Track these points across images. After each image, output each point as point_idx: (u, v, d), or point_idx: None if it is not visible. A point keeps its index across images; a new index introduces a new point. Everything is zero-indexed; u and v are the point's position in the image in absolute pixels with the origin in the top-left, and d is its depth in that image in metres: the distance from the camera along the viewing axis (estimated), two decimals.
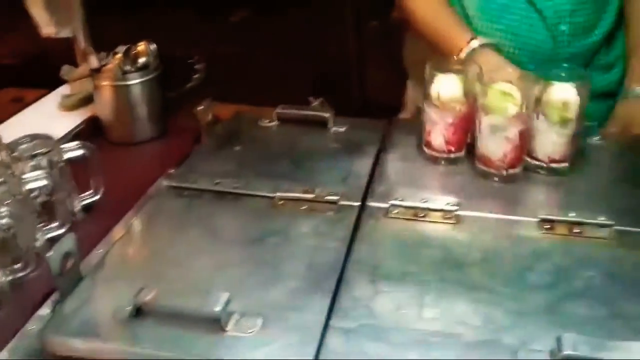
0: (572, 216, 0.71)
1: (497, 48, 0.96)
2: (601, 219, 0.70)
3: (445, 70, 0.82)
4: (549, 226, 0.70)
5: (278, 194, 0.76)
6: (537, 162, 0.81)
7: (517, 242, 0.69)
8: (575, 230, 0.70)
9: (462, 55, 0.95)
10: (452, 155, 0.83)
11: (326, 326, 0.57)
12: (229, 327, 0.56)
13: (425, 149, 0.85)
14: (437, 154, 0.84)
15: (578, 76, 0.79)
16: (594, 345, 0.52)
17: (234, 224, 0.72)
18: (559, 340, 0.52)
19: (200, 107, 0.91)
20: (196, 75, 1.54)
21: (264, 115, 0.96)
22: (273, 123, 0.95)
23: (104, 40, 1.07)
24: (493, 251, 0.68)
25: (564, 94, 0.76)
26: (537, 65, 0.93)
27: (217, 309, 0.56)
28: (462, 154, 0.84)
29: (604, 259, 0.66)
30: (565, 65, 0.85)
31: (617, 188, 0.79)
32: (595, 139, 0.88)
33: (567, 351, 0.51)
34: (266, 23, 3.37)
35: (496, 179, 0.79)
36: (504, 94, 0.75)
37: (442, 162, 0.84)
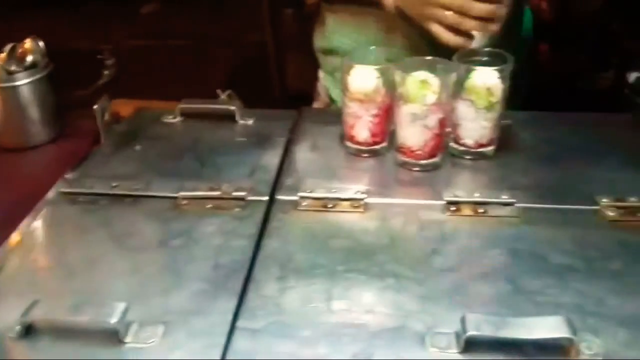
0: (476, 196, 0.73)
1: None
2: (504, 198, 0.72)
3: (362, 61, 0.81)
4: (455, 208, 0.72)
5: (181, 193, 0.73)
6: (463, 148, 0.82)
7: (424, 226, 0.69)
8: (480, 210, 0.71)
9: None
10: (378, 147, 0.83)
11: (232, 328, 0.55)
12: (128, 338, 0.54)
13: (349, 143, 0.84)
14: (362, 147, 0.83)
15: (499, 59, 0.79)
16: (497, 324, 0.53)
17: (134, 228, 0.69)
18: (462, 321, 0.53)
19: (96, 106, 0.86)
20: (107, 72, 1.47)
21: (168, 111, 0.93)
22: (177, 119, 0.91)
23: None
24: (401, 237, 0.68)
25: (487, 79, 0.77)
26: None
27: (114, 320, 0.53)
28: (385, 144, 0.83)
29: (507, 236, 0.67)
30: (486, 49, 0.84)
31: (522, 167, 0.81)
32: (502, 121, 0.90)
33: (471, 332, 0.52)
34: (178, 14, 3.28)
35: (416, 168, 0.80)
36: (422, 83, 0.74)
37: (366, 155, 0.83)
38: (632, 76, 1.10)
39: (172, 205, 0.72)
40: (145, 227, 0.69)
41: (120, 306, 0.54)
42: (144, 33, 3.17)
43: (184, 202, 0.73)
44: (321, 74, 1.18)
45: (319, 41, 1.11)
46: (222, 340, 0.54)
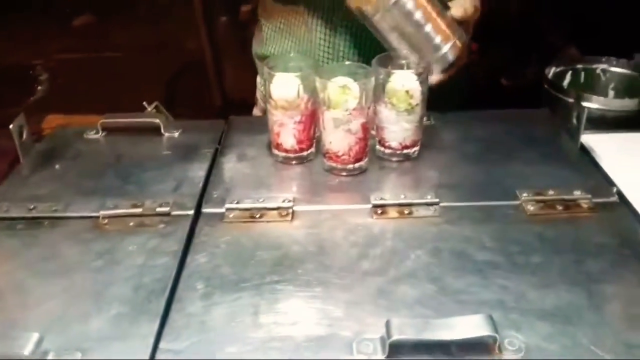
0: (402, 198, 0.73)
1: None
2: (428, 198, 0.73)
3: (282, 68, 0.80)
4: (381, 211, 0.71)
5: (102, 212, 0.70)
6: (390, 151, 0.82)
7: (351, 231, 0.69)
8: (405, 212, 0.71)
9: None
10: (305, 154, 0.82)
11: (154, 351, 0.53)
12: None
13: (276, 151, 0.82)
14: (289, 155, 0.82)
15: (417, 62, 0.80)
16: (420, 326, 0.52)
17: (52, 252, 0.65)
18: (387, 326, 0.52)
19: (12, 125, 0.82)
20: (40, 87, 1.40)
21: (90, 127, 0.89)
22: (99, 135, 0.88)
23: None
24: (328, 243, 0.67)
25: (406, 82, 0.77)
26: None
27: (27, 352, 0.50)
28: (312, 150, 0.83)
29: (431, 236, 0.67)
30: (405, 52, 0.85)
31: (446, 166, 0.81)
32: (425, 121, 0.90)
33: (395, 336, 0.51)
34: (113, 26, 3.19)
35: (343, 173, 0.79)
36: (343, 88, 0.74)
37: (294, 162, 0.82)
38: (551, 71, 1.13)
39: (93, 226, 0.69)
40: (64, 250, 0.66)
41: (34, 337, 0.51)
42: (77, 46, 3.07)
43: (105, 221, 0.70)
44: (259, 81, 1.16)
45: (257, 48, 1.10)
46: None
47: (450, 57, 0.85)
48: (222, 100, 2.47)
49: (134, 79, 2.54)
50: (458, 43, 0.85)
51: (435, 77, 0.86)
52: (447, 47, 0.85)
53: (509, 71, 1.76)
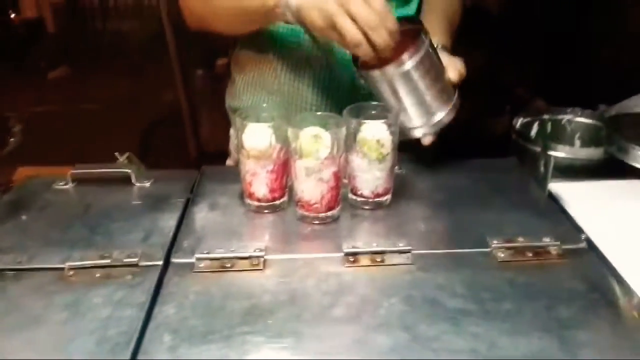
0: (374, 246, 0.73)
1: None
2: (400, 246, 0.73)
3: (254, 118, 0.80)
4: (353, 259, 0.71)
5: (68, 264, 0.68)
6: (362, 199, 0.82)
7: (323, 280, 0.68)
8: (377, 260, 0.71)
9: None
10: (278, 202, 0.82)
11: None
12: None
13: (248, 201, 0.82)
14: (261, 204, 0.81)
15: (387, 112, 0.81)
16: None
17: (14, 306, 0.63)
18: None
19: None
20: (13, 139, 1.39)
21: (60, 177, 0.88)
22: (69, 185, 0.87)
23: None
24: (300, 293, 0.66)
25: (377, 132, 0.78)
26: None
27: None
28: (285, 199, 0.83)
29: (404, 284, 0.67)
30: (374, 103, 0.86)
31: (418, 214, 0.82)
32: (396, 170, 0.92)
33: None
34: (88, 78, 3.22)
35: (316, 221, 0.79)
36: (315, 137, 0.75)
37: (266, 211, 0.82)
38: (519, 122, 1.16)
39: (58, 278, 0.67)
40: (28, 303, 0.63)
41: None
42: (52, 98, 3.08)
43: (71, 273, 0.68)
44: (232, 133, 1.17)
45: (230, 100, 1.12)
46: None
47: (447, 120, 0.87)
48: (197, 152, 2.48)
49: (109, 131, 2.54)
50: (454, 107, 0.87)
51: (428, 139, 0.88)
52: (445, 111, 0.87)
53: (479, 122, 1.80)
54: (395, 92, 0.83)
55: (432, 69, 0.84)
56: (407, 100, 0.84)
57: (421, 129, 0.87)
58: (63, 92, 3.05)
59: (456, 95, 0.88)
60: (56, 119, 2.83)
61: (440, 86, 0.85)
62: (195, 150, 2.52)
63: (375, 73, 0.82)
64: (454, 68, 0.87)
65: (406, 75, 0.82)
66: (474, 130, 1.79)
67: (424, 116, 0.86)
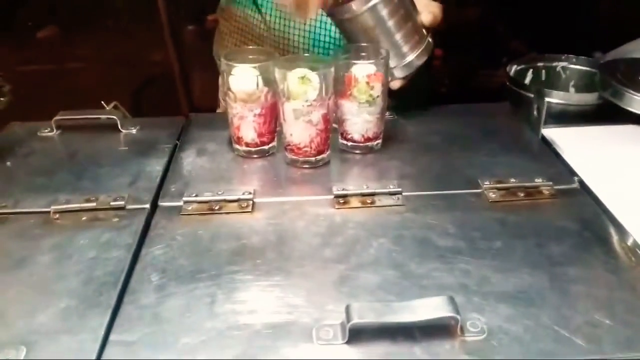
0: (364, 188, 0.72)
1: None
2: (391, 187, 0.72)
3: (240, 60, 0.78)
4: (343, 201, 0.70)
5: (53, 207, 0.67)
6: (352, 143, 0.81)
7: (313, 221, 0.67)
8: (368, 202, 0.70)
9: None
10: (266, 147, 0.80)
11: (104, 343, 0.51)
12: None
13: (236, 146, 0.81)
14: (250, 148, 0.80)
15: (376, 52, 0.79)
16: (380, 310, 0.51)
17: None
18: (346, 310, 0.51)
19: None
20: (2, 99, 1.36)
21: (44, 124, 0.87)
22: (54, 132, 0.85)
23: None
24: (289, 234, 0.65)
25: (366, 73, 0.76)
26: None
27: None
28: (274, 143, 0.81)
29: (394, 224, 0.66)
30: (364, 44, 0.83)
31: (409, 157, 0.81)
32: (387, 115, 0.90)
33: (355, 320, 0.50)
34: (76, 37, 3.14)
35: (305, 165, 0.78)
36: (302, 79, 0.73)
37: (255, 156, 0.80)
38: (512, 69, 1.14)
39: (44, 221, 0.66)
40: (12, 246, 0.63)
41: None
42: (40, 58, 3.02)
43: (57, 216, 0.67)
44: (221, 82, 1.15)
45: (216, 47, 1.09)
46: (92, 357, 0.49)
47: (417, 63, 0.85)
48: (190, 111, 2.45)
49: (98, 91, 2.50)
50: (425, 49, 0.85)
51: (397, 83, 0.86)
52: (415, 54, 0.84)
53: (477, 75, 1.78)
54: (364, 32, 0.81)
55: (402, 7, 0.81)
56: (376, 41, 0.82)
57: (391, 71, 0.85)
58: (52, 51, 2.98)
59: (428, 38, 0.86)
60: (45, 79, 2.78)
61: (410, 27, 0.83)
62: (188, 109, 2.48)
63: (344, 9, 0.80)
64: (428, 11, 0.85)
65: (373, 11, 0.79)
66: (469, 84, 1.77)
67: (393, 58, 0.83)
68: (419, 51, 0.85)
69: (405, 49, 0.84)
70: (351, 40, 0.83)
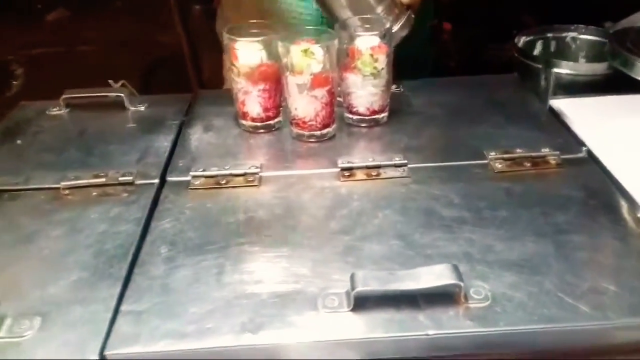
0: (370, 161, 0.72)
1: None
2: (396, 160, 0.72)
3: (244, 35, 0.78)
4: (348, 174, 0.71)
5: (63, 183, 0.69)
6: (358, 117, 0.81)
7: (319, 194, 0.68)
8: (373, 174, 0.71)
9: None
10: (272, 122, 0.81)
11: (116, 313, 0.52)
12: (1, 333, 0.50)
13: (242, 121, 0.81)
14: (256, 123, 0.81)
15: (380, 24, 0.79)
16: (384, 278, 0.52)
17: (10, 223, 0.63)
18: (351, 279, 0.52)
19: None
20: (16, 82, 1.37)
21: (53, 103, 0.88)
22: (62, 111, 0.86)
23: None
24: (295, 206, 0.66)
25: (371, 45, 0.76)
26: None
27: None
28: (280, 118, 0.82)
29: (399, 196, 0.67)
30: (368, 16, 0.83)
31: (415, 130, 0.81)
32: (394, 88, 0.90)
33: (359, 288, 0.51)
34: (86, 20, 3.15)
35: (311, 139, 0.78)
36: (305, 52, 0.73)
37: (261, 131, 0.81)
38: (521, 40, 1.13)
39: (54, 197, 0.68)
40: (24, 221, 0.64)
41: None
42: (50, 40, 3.03)
43: (67, 192, 0.68)
44: (225, 57, 1.15)
45: (219, 24, 1.09)
46: (104, 326, 0.51)
47: (401, 34, 0.85)
48: (201, 89, 2.45)
49: (108, 73, 2.51)
50: (407, 22, 0.85)
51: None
52: (398, 26, 0.84)
53: (487, 48, 1.76)
54: (346, 7, 0.81)
55: None
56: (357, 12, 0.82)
57: None
58: (61, 34, 2.99)
59: (408, 13, 0.86)
60: (54, 61, 2.79)
61: (389, 2, 0.83)
62: (198, 89, 2.49)
63: None
64: None
65: None
66: (479, 58, 1.75)
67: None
68: (401, 23, 0.85)
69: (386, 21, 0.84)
70: (332, 15, 0.84)
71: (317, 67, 0.73)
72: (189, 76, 2.52)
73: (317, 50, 0.72)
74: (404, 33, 0.85)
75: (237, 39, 0.76)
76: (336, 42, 0.74)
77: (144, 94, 1.24)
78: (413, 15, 0.86)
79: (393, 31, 0.83)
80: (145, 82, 2.58)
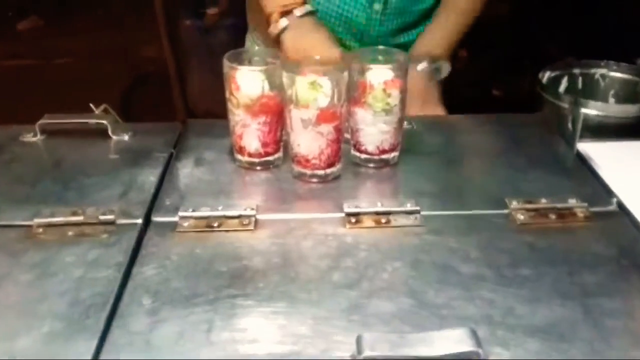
0: (379, 206, 0.73)
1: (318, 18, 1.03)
2: (408, 206, 0.73)
3: (246, 62, 0.80)
4: (355, 220, 0.71)
5: (36, 220, 0.69)
6: (366, 156, 0.82)
7: (321, 242, 0.68)
8: (382, 221, 0.71)
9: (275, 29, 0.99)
10: (271, 158, 0.82)
11: None
12: None
13: (238, 156, 0.82)
14: (253, 159, 0.82)
15: (395, 58, 0.81)
16: (395, 342, 0.52)
17: None
18: (358, 341, 0.52)
19: None
20: None
21: (27, 128, 0.89)
22: (37, 137, 0.87)
23: None
24: (295, 255, 0.66)
25: (383, 79, 0.78)
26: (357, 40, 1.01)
27: None
28: (279, 154, 0.83)
29: (411, 247, 0.67)
30: (381, 47, 0.86)
31: (428, 172, 0.82)
32: (406, 124, 0.91)
33: (366, 352, 0.51)
34: (63, 29, 3.19)
35: (314, 179, 0.79)
36: (312, 84, 0.74)
37: (259, 168, 0.82)
38: (545, 76, 1.15)
39: (26, 236, 0.68)
40: None
41: None
42: (22, 52, 3.06)
43: (40, 230, 0.69)
44: None
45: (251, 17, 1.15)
46: None
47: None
48: (185, 115, 2.47)
49: (85, 89, 2.53)
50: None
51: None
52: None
53: (500, 80, 1.79)
54: None
55: None
56: None
57: None
58: (34, 44, 3.02)
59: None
60: (27, 75, 2.82)
61: None
62: (183, 113, 2.50)
63: None
64: None
65: None
66: (495, 90, 1.78)
67: None
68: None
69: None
70: None
71: (324, 101, 0.74)
72: (173, 95, 2.55)
73: (325, 82, 0.74)
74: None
75: (238, 67, 0.77)
76: (346, 74, 0.75)
77: (124, 113, 1.25)
78: None
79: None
80: (126, 99, 2.61)
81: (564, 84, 1.17)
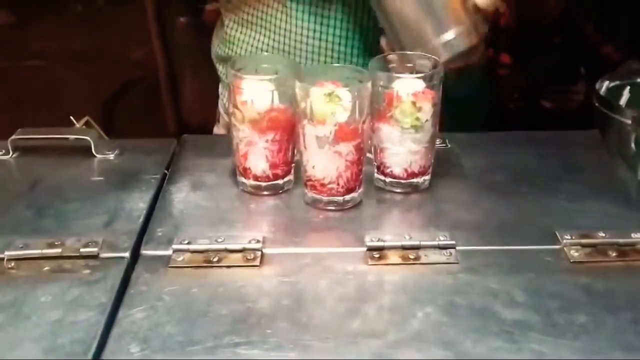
0: (407, 239, 0.74)
1: None
2: (441, 240, 0.73)
3: (252, 70, 0.81)
4: (379, 255, 0.72)
5: (7, 253, 0.71)
6: (392, 179, 0.83)
7: (340, 281, 0.69)
8: (411, 257, 0.72)
9: None
10: (280, 182, 0.83)
11: None
12: None
13: (242, 179, 0.84)
14: (259, 183, 0.83)
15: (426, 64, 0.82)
16: None
17: None
18: None
19: None
20: None
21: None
22: (10, 156, 0.89)
23: None
24: (307, 297, 0.67)
25: (413, 90, 0.78)
26: None
27: None
28: (291, 177, 0.84)
29: (444, 289, 0.68)
30: (409, 52, 0.87)
31: (465, 200, 0.83)
32: (438, 143, 0.92)
33: None
34: (38, 27, 3.24)
35: (330, 207, 0.80)
36: (330, 96, 0.75)
37: (266, 193, 0.83)
38: (603, 86, 1.16)
39: None
40: None
41: None
42: None
43: (12, 264, 0.70)
44: (221, 90, 1.19)
45: (218, 48, 1.13)
46: None
47: (460, 45, 0.88)
48: (177, 125, 2.50)
49: (63, 95, 2.57)
50: (473, 32, 0.88)
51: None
52: (457, 31, 0.88)
53: (551, 90, 1.79)
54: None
55: None
56: (412, 15, 0.87)
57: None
58: (3, 44, 3.07)
59: (478, 20, 0.90)
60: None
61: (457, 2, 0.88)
62: (175, 122, 2.53)
63: None
64: None
65: None
66: (545, 99, 1.78)
67: (430, 36, 0.87)
68: (462, 29, 0.88)
69: (446, 23, 0.88)
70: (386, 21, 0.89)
71: (343, 116, 0.75)
72: (163, 105, 2.58)
73: (345, 94, 0.75)
74: (462, 45, 0.88)
75: (245, 76, 0.78)
76: (369, 85, 0.76)
77: (108, 125, 1.27)
78: (482, 31, 0.90)
79: (447, 40, 0.87)
80: (110, 110, 2.64)
81: (625, 96, 1.17)
